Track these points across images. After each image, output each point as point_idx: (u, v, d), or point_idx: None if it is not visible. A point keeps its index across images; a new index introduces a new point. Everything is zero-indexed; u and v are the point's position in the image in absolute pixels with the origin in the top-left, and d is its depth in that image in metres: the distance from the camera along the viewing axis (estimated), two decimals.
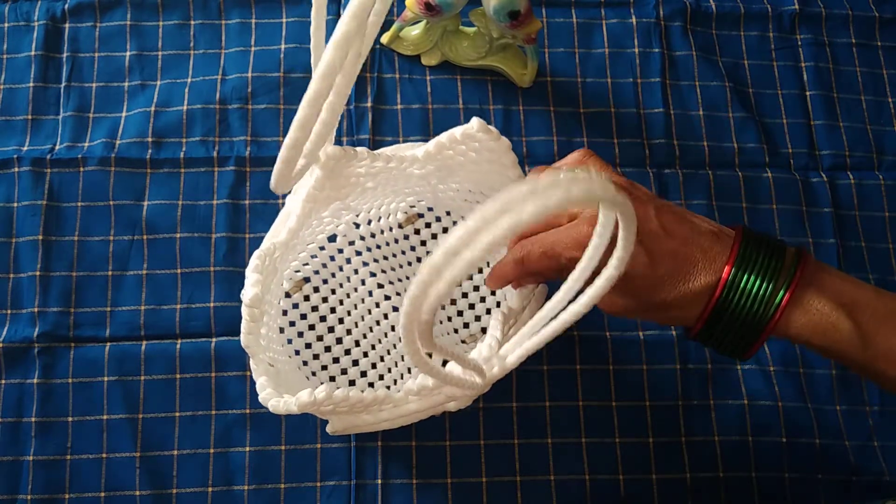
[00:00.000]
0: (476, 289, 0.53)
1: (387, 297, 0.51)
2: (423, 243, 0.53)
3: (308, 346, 0.50)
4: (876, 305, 0.35)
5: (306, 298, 0.51)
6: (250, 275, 0.39)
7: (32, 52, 0.57)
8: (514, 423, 0.50)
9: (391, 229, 0.53)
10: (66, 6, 0.58)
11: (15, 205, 0.53)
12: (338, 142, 0.55)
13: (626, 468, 0.50)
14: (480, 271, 0.53)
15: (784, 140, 0.58)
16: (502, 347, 0.39)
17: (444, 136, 0.41)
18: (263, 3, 0.59)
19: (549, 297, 0.38)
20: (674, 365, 0.52)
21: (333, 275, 0.52)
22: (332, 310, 0.51)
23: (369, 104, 0.56)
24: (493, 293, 0.52)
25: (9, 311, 0.51)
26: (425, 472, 0.49)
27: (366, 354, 0.51)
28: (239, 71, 0.57)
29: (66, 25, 0.58)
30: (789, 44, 0.60)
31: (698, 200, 0.56)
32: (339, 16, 0.59)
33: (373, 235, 0.52)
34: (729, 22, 0.61)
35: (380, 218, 0.52)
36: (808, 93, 0.59)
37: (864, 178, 0.57)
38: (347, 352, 0.51)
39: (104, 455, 0.49)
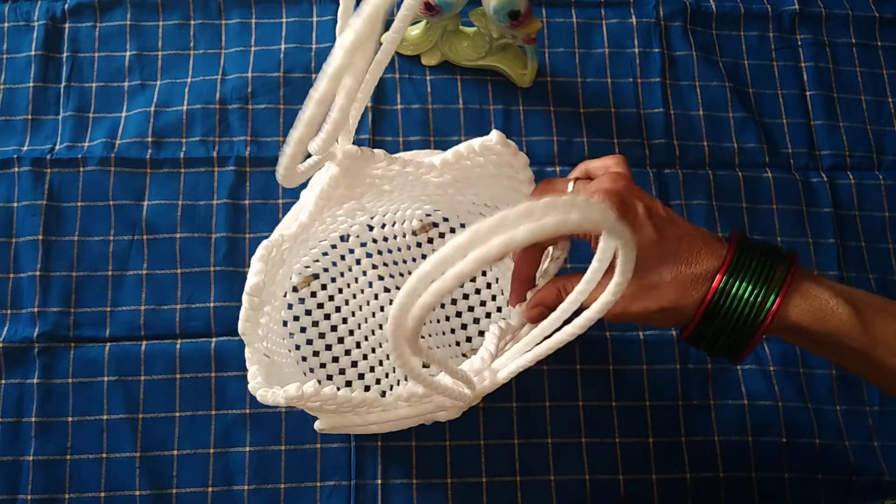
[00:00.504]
0: (482, 304, 0.53)
1: (391, 303, 0.51)
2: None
3: (309, 342, 0.51)
4: (870, 300, 0.36)
5: (313, 294, 0.52)
6: (255, 263, 0.39)
7: (32, 52, 0.57)
8: (514, 423, 0.50)
9: (405, 235, 0.53)
10: (66, 6, 0.58)
11: (15, 205, 0.53)
12: None
13: (626, 468, 0.50)
14: (489, 286, 0.53)
15: (784, 140, 0.58)
16: (495, 361, 0.39)
17: (462, 146, 0.41)
18: (263, 3, 0.59)
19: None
20: (674, 365, 0.52)
21: (342, 274, 0.52)
22: (337, 309, 0.51)
23: (369, 104, 0.56)
24: (499, 310, 0.52)
25: (9, 311, 0.51)
26: (425, 472, 0.49)
27: (365, 357, 0.51)
28: (239, 71, 0.57)
29: (66, 25, 0.58)
30: (789, 44, 0.60)
31: (698, 200, 0.56)
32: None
33: (385, 239, 0.52)
34: (729, 22, 0.61)
35: (394, 223, 0.52)
36: (808, 93, 0.59)
37: (864, 178, 0.57)
38: (347, 352, 0.51)
39: (104, 455, 0.49)
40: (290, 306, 0.51)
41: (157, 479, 0.49)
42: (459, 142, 0.56)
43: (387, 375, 0.50)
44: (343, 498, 0.49)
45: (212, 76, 0.57)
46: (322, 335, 0.51)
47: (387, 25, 0.60)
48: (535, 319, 0.42)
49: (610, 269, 0.31)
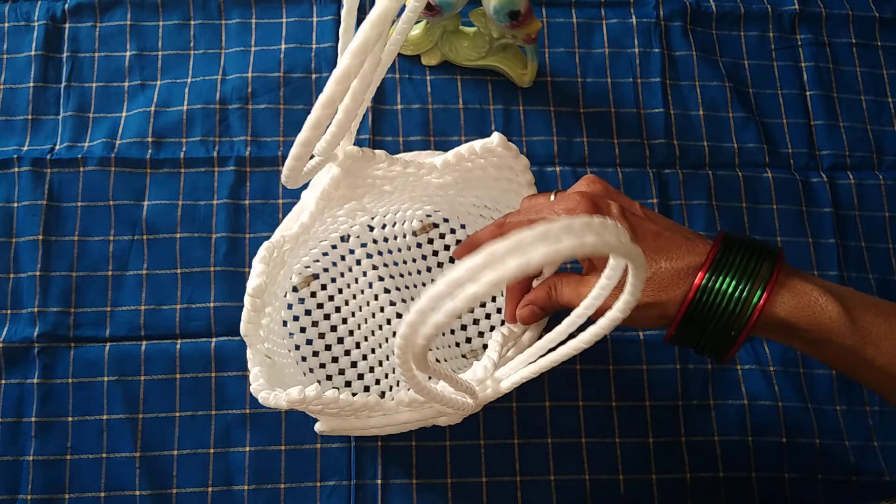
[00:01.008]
0: (482, 305, 0.53)
1: (392, 303, 0.51)
2: (436, 253, 0.53)
3: (309, 342, 0.51)
4: (858, 297, 0.35)
5: (313, 295, 0.52)
6: (257, 265, 0.39)
7: (32, 52, 0.57)
8: (514, 423, 0.50)
9: (405, 236, 0.53)
10: (66, 6, 0.58)
11: (15, 205, 0.53)
12: None
13: (626, 468, 0.50)
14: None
15: (784, 140, 0.58)
16: (498, 370, 0.39)
17: (463, 148, 0.41)
18: (263, 3, 0.59)
19: (549, 329, 0.38)
20: (674, 365, 0.52)
21: (342, 274, 0.52)
22: (337, 309, 0.51)
23: (369, 104, 0.56)
24: (498, 311, 0.52)
25: (9, 311, 0.51)
26: (425, 472, 0.49)
27: (364, 357, 0.51)
28: (239, 71, 0.57)
29: (66, 25, 0.58)
30: (789, 44, 0.60)
31: (698, 200, 0.56)
32: (338, 16, 0.59)
33: (386, 240, 0.52)
34: (729, 22, 0.61)
35: (395, 223, 0.52)
36: (808, 93, 0.59)
37: (864, 178, 0.57)
38: (347, 352, 0.51)
39: (104, 455, 0.49)
40: (289, 306, 0.51)
41: (157, 479, 0.49)
42: (459, 142, 0.56)
43: (386, 376, 0.50)
44: (343, 498, 0.49)
45: (212, 76, 0.57)
46: (322, 335, 0.51)
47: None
48: (527, 319, 0.42)
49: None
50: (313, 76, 0.57)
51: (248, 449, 0.49)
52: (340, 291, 0.52)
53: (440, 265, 0.53)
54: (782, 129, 0.58)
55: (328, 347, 0.51)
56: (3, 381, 0.50)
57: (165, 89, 0.57)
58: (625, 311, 0.31)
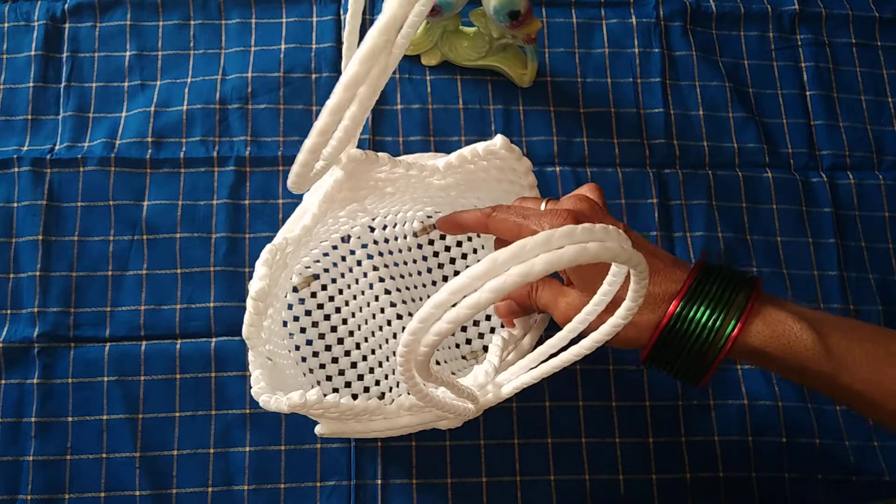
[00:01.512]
0: None
1: (392, 304, 0.51)
2: (436, 254, 0.53)
3: (309, 342, 0.51)
4: (835, 323, 0.35)
5: (313, 295, 0.51)
6: (259, 268, 0.39)
7: (32, 52, 0.57)
8: (514, 423, 0.50)
9: (406, 237, 0.53)
10: (66, 6, 0.58)
11: (15, 205, 0.53)
12: None
13: (626, 468, 0.50)
14: None
15: (784, 140, 0.58)
16: (499, 375, 0.39)
17: (466, 150, 0.41)
18: (263, 3, 0.59)
19: (549, 336, 0.38)
20: None
21: (343, 275, 0.52)
22: (338, 309, 0.51)
23: None
24: None
25: (9, 311, 0.51)
26: (425, 472, 0.49)
27: (365, 358, 0.50)
28: (239, 71, 0.57)
29: (66, 25, 0.58)
30: (789, 44, 0.60)
31: (698, 200, 0.56)
32: (338, 16, 0.59)
33: (386, 241, 0.52)
34: (729, 22, 0.61)
35: (395, 224, 0.52)
36: (808, 93, 0.59)
37: (864, 178, 0.57)
38: (347, 353, 0.51)
39: (104, 455, 0.49)
40: (290, 306, 0.51)
41: (157, 479, 0.49)
42: (459, 142, 0.56)
43: (386, 377, 0.50)
44: (343, 498, 0.49)
45: (212, 76, 0.57)
46: (322, 336, 0.51)
47: None
48: (502, 312, 0.42)
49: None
50: (313, 76, 0.57)
51: (248, 449, 0.49)
52: (341, 292, 0.52)
53: (441, 266, 0.53)
54: (782, 129, 0.58)
55: (328, 348, 0.51)
56: (3, 382, 0.50)
57: (165, 89, 0.57)
58: (626, 318, 0.31)
